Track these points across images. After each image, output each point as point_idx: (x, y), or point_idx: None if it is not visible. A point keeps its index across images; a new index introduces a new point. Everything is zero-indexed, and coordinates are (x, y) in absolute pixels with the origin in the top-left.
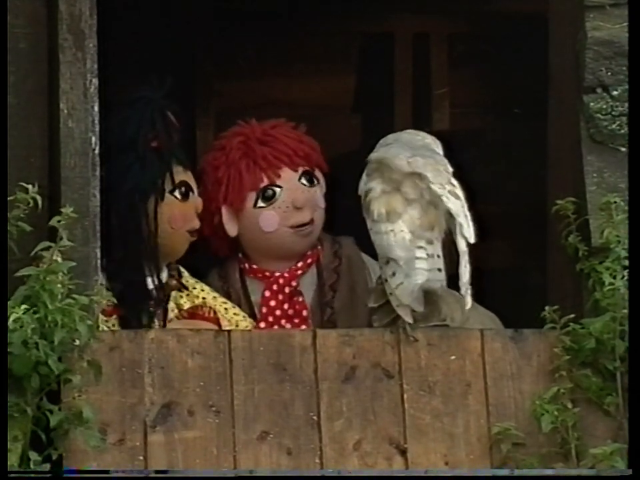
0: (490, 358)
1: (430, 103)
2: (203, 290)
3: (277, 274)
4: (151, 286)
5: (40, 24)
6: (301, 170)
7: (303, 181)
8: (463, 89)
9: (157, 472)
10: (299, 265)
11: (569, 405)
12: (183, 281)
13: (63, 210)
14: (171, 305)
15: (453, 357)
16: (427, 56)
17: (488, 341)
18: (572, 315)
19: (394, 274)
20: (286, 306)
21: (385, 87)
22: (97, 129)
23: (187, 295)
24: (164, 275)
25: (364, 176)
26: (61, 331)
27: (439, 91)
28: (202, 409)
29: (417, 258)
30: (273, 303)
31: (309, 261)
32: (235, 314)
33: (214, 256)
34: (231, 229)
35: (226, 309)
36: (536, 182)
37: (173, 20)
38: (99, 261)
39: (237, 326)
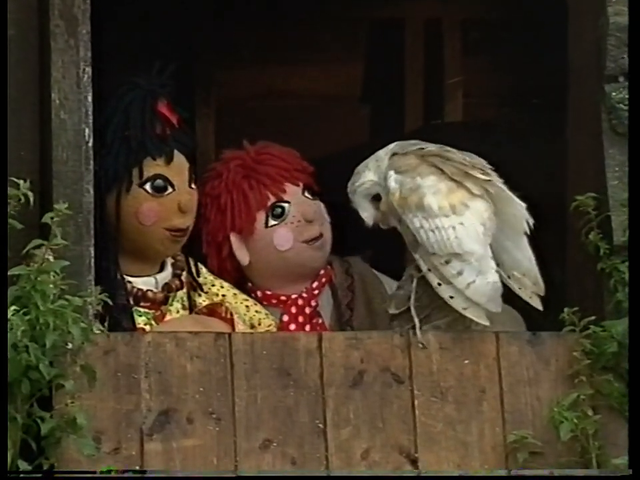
0: (505, 362)
1: (442, 92)
2: (222, 287)
3: (294, 296)
4: (141, 285)
5: (30, 9)
6: (301, 184)
7: (307, 194)
8: (477, 78)
9: (135, 472)
10: (314, 285)
11: (590, 412)
12: (201, 278)
13: (56, 206)
14: (176, 305)
15: (466, 361)
16: (439, 43)
17: (503, 345)
18: (592, 317)
19: (460, 273)
20: (307, 328)
21: (395, 76)
22: (91, 120)
23: (206, 293)
24: (163, 276)
25: (393, 174)
26: (53, 334)
27: (451, 80)
28: (201, 416)
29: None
30: (293, 327)
31: (324, 280)
32: (256, 311)
33: None
34: (243, 257)
35: (247, 306)
36: (555, 176)
37: (171, 6)
38: (92, 260)
39: (259, 324)
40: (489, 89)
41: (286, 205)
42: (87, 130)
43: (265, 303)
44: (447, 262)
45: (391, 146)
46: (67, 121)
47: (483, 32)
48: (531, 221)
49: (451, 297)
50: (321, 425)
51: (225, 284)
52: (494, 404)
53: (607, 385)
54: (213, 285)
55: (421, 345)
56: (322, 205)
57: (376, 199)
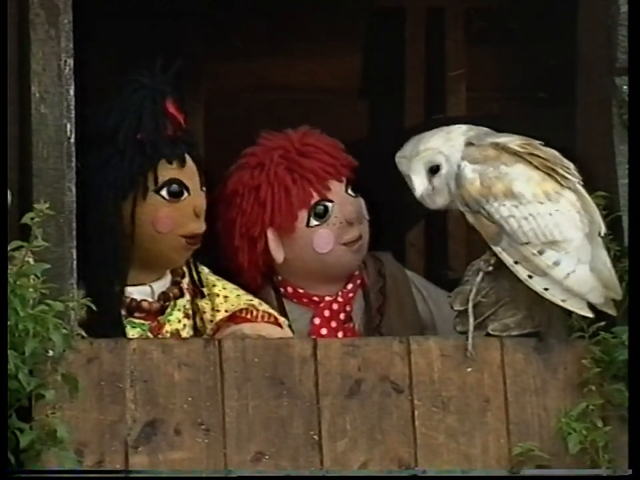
0: (511, 370)
1: (444, 86)
2: (224, 288)
3: (328, 298)
4: (135, 295)
5: None
6: (345, 180)
7: (350, 191)
8: (481, 70)
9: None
10: (349, 287)
11: (599, 423)
12: (202, 279)
13: (36, 206)
14: (177, 314)
15: (469, 370)
16: (442, 33)
17: (509, 352)
18: (602, 323)
19: (557, 263)
20: (340, 334)
21: (395, 68)
22: (73, 115)
23: (208, 295)
24: (160, 284)
25: (468, 164)
26: (33, 341)
27: (454, 73)
28: (190, 427)
29: None
30: (324, 332)
31: (358, 282)
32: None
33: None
34: (278, 255)
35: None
36: None
37: None
38: (74, 263)
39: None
40: (494, 82)
41: (329, 204)
42: (68, 125)
43: (294, 300)
44: (541, 252)
45: (465, 129)
46: (48, 116)
47: (488, 22)
48: (603, 229)
49: (546, 289)
50: (316, 437)
51: (229, 285)
52: (498, 414)
53: (617, 394)
54: (214, 286)
55: (469, 354)
56: (363, 202)
57: (432, 171)
